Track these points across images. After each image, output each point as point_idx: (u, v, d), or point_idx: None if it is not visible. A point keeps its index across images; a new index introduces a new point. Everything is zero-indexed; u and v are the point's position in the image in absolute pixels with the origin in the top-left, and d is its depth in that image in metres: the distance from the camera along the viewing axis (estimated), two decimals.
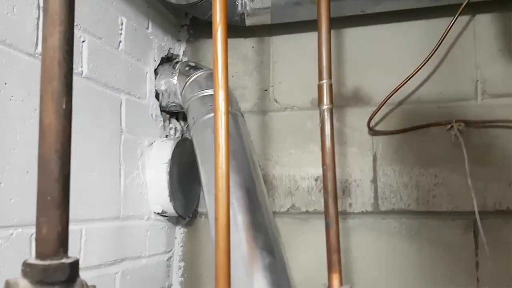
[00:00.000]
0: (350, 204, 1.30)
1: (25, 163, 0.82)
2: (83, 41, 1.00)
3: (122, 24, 1.16)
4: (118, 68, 1.13)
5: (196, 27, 1.50)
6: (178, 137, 1.43)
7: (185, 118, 1.42)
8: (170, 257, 1.39)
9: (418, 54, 1.25)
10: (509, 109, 1.21)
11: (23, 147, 0.82)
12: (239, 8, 1.27)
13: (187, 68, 1.33)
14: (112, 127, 1.10)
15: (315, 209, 1.33)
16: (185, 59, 1.48)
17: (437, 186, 1.24)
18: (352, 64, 1.34)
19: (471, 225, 1.21)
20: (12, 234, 0.79)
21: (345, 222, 1.30)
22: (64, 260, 0.40)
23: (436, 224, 1.24)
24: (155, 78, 1.33)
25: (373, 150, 1.30)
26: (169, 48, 1.41)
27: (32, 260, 0.39)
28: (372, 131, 1.29)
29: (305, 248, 1.32)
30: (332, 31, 0.82)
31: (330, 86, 0.77)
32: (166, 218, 1.33)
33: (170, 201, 1.24)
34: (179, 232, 1.44)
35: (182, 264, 1.43)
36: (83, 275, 0.42)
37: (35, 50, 0.86)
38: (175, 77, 1.33)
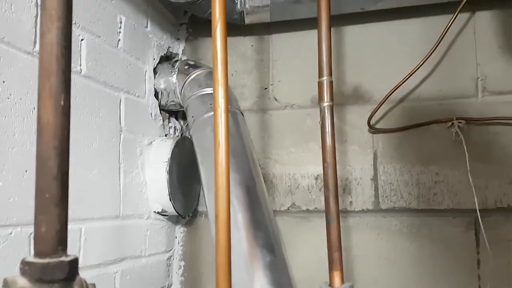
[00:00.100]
0: (351, 203, 1.30)
1: (24, 162, 0.82)
2: (82, 40, 1.00)
3: (121, 22, 1.15)
4: (117, 67, 1.13)
5: (195, 25, 1.49)
6: (177, 136, 1.43)
7: (184, 117, 1.42)
8: (170, 256, 1.39)
9: (418, 51, 1.24)
10: (510, 106, 1.20)
11: (22, 146, 0.82)
12: (238, 6, 1.26)
13: (186, 67, 1.33)
14: (111, 126, 1.10)
15: (316, 208, 1.32)
16: (184, 57, 1.48)
17: (438, 184, 1.24)
18: (352, 62, 1.34)
19: (472, 223, 1.21)
20: (11, 233, 0.79)
21: (346, 221, 1.30)
22: (63, 258, 0.39)
23: (437, 222, 1.24)
24: (154, 77, 1.33)
25: (374, 148, 1.30)
26: (168, 47, 1.41)
27: (31, 258, 0.39)
28: (373, 129, 1.29)
29: (305, 246, 1.31)
30: (331, 29, 0.81)
31: (331, 83, 0.77)
32: (166, 217, 1.33)
33: (170, 200, 1.23)
34: (179, 231, 1.43)
35: (182, 263, 1.43)
36: (83, 274, 0.42)
37: (33, 49, 0.85)
38: (174, 76, 1.32)
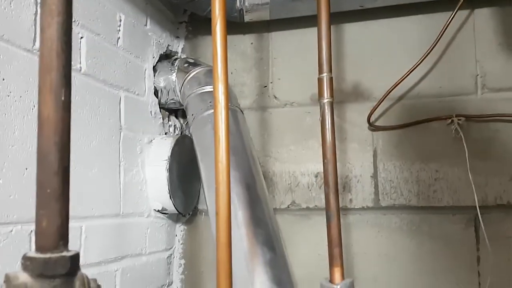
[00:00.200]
0: (351, 200, 1.30)
1: (24, 159, 0.82)
2: (82, 38, 1.00)
3: (120, 20, 1.15)
4: (117, 65, 1.13)
5: (194, 23, 1.49)
6: (177, 134, 1.43)
7: (184, 116, 1.42)
8: (171, 254, 1.39)
9: (417, 48, 1.24)
10: (510, 103, 1.21)
11: (22, 143, 0.82)
12: (238, 4, 1.26)
13: (186, 65, 1.33)
14: (111, 124, 1.10)
15: (316, 206, 1.32)
16: (183, 56, 1.48)
17: (438, 181, 1.24)
18: (351, 60, 1.34)
19: (472, 220, 1.21)
20: (11, 231, 0.79)
21: (346, 218, 1.30)
22: (64, 253, 0.39)
23: (437, 219, 1.24)
24: (154, 75, 1.32)
25: (373, 145, 1.30)
26: (168, 45, 1.41)
27: (32, 253, 0.39)
28: (372, 127, 1.29)
29: (305, 244, 1.32)
30: (331, 27, 0.81)
31: (331, 79, 0.77)
32: (166, 215, 1.33)
33: (170, 198, 1.23)
34: (179, 229, 1.43)
35: (183, 261, 1.43)
36: (83, 272, 0.42)
37: (33, 46, 0.85)
38: (174, 74, 1.32)
